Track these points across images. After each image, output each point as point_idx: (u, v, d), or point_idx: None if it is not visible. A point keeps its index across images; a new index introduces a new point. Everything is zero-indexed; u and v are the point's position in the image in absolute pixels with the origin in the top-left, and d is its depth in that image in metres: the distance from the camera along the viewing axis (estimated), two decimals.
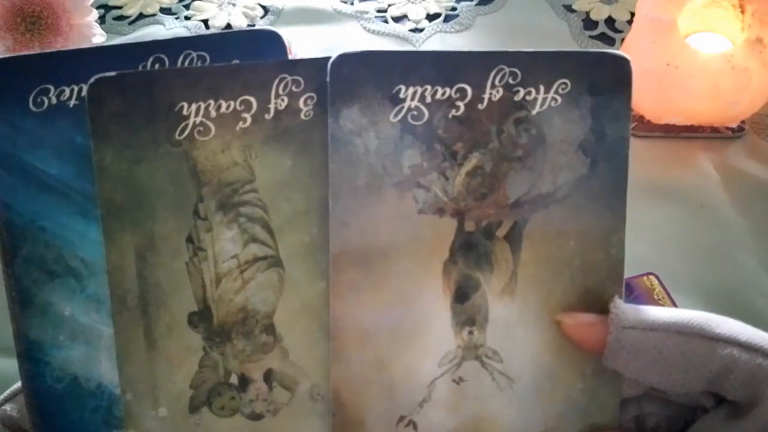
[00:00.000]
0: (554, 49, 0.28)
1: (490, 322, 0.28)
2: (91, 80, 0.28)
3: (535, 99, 0.28)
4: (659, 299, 0.46)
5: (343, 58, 0.28)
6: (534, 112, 0.28)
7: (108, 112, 0.28)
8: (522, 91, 0.28)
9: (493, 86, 0.28)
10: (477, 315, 0.28)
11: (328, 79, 0.28)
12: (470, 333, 0.28)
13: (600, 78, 0.28)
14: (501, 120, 0.28)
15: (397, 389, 0.28)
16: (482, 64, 0.28)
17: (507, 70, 0.28)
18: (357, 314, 0.28)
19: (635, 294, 0.46)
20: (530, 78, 0.28)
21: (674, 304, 0.46)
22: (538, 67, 0.28)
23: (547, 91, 0.28)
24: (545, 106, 0.28)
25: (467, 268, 0.28)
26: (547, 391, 0.29)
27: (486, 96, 0.28)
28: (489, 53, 0.28)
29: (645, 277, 0.47)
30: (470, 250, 0.28)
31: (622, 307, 0.27)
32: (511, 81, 0.28)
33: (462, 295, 0.28)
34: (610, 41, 0.65)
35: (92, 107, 0.28)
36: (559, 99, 0.28)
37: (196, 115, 0.28)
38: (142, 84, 0.28)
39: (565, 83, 0.28)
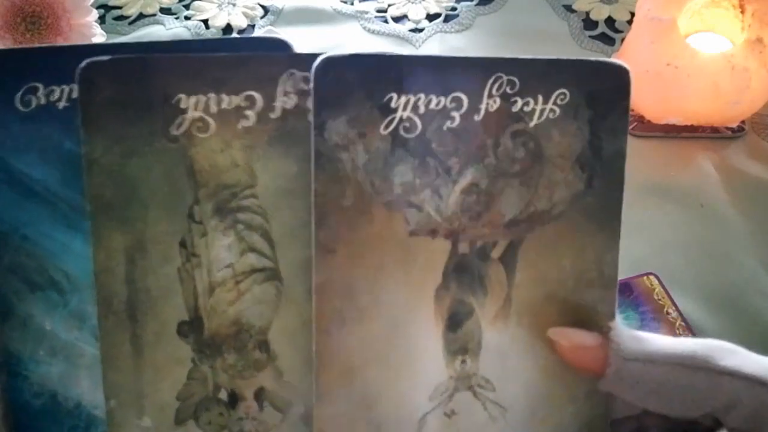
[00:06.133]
0: (553, 57, 0.26)
1: (483, 349, 0.27)
2: (83, 63, 0.25)
3: (533, 110, 0.26)
4: (659, 299, 0.46)
5: (329, 61, 0.25)
6: (532, 124, 0.26)
7: (99, 99, 0.25)
8: (520, 102, 0.26)
9: (490, 95, 0.26)
10: (470, 343, 0.27)
11: (311, 85, 0.25)
12: (463, 362, 0.27)
13: (599, 88, 0.26)
14: (498, 132, 0.26)
15: (385, 428, 0.26)
16: (480, 72, 0.26)
17: (505, 78, 0.26)
18: (343, 349, 0.26)
19: (635, 294, 0.46)
20: (528, 87, 0.26)
21: (674, 304, 0.46)
22: (536, 75, 0.26)
23: (545, 102, 0.26)
24: (543, 118, 0.26)
25: (460, 293, 0.26)
26: (540, 417, 0.27)
27: (483, 106, 0.26)
28: (487, 59, 0.26)
29: (645, 277, 0.47)
30: (463, 274, 0.26)
31: (622, 336, 0.26)
32: (508, 90, 0.26)
33: (455, 322, 0.26)
34: (610, 41, 0.65)
35: (83, 92, 0.25)
36: (558, 110, 0.26)
37: (195, 108, 0.26)
38: (138, 70, 0.25)
39: (564, 93, 0.26)
